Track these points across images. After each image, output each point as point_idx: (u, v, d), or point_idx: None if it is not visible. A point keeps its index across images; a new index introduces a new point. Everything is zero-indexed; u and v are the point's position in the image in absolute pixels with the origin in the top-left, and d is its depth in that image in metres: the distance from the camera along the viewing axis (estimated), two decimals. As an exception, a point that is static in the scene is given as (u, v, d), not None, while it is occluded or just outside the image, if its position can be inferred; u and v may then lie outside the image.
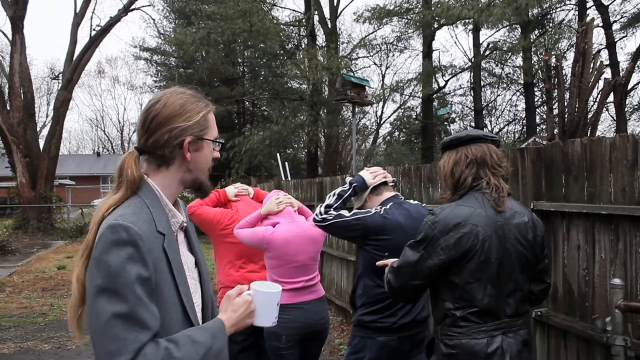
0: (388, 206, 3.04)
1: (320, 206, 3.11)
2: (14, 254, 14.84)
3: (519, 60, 23.49)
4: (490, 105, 29.04)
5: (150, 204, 1.58)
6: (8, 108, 19.93)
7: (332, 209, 3.06)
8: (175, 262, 1.57)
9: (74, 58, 20.88)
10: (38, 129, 26.92)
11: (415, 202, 3.25)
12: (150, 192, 1.61)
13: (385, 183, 3.19)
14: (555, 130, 11.21)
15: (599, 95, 11.60)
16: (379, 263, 2.63)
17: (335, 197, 3.13)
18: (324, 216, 3.04)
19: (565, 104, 10.50)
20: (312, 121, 19.85)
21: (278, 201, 3.64)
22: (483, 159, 2.26)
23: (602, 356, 2.80)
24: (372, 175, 3.19)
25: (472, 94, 26.75)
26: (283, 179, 10.35)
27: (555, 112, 11.34)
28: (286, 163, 11.11)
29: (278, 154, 11.54)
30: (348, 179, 3.27)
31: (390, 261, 2.47)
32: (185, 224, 1.72)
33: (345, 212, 3.04)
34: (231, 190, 4.16)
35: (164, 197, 1.63)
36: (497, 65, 25.33)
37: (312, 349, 3.61)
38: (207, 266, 1.86)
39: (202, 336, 1.55)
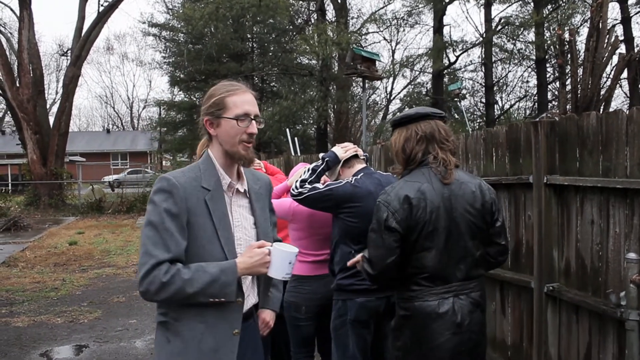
0: (359, 176, 3.24)
1: (297, 181, 3.29)
2: (26, 229, 14.99)
3: (531, 36, 23.10)
4: (501, 81, 28.72)
5: (202, 168, 2.08)
6: (17, 85, 19.96)
7: (307, 183, 3.24)
8: (217, 211, 2.03)
9: (82, 34, 20.80)
10: (48, 106, 27.00)
11: (387, 173, 3.44)
12: (206, 159, 2.11)
13: (356, 156, 3.40)
14: (568, 107, 11.07)
15: (613, 71, 11.43)
16: (349, 263, 2.77)
17: (310, 172, 3.32)
18: (300, 190, 3.22)
19: (579, 79, 10.35)
20: (322, 97, 19.75)
21: None
22: (432, 135, 2.42)
23: (615, 331, 2.78)
24: (343, 150, 3.40)
25: (483, 70, 26.40)
26: (293, 154, 10.31)
27: (568, 88, 11.19)
28: (296, 138, 11.07)
29: (287, 130, 11.49)
30: (321, 155, 3.45)
31: (359, 257, 2.61)
32: (239, 189, 2.15)
33: (319, 185, 3.23)
34: None
35: (216, 163, 2.10)
36: (508, 41, 24.94)
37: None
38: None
39: (213, 268, 1.95)
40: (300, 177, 3.31)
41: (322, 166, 3.34)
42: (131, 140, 47.50)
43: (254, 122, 2.08)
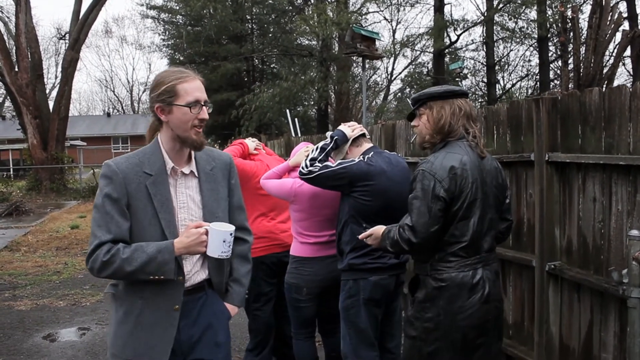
0: (370, 154, 3.22)
1: (305, 160, 3.23)
2: (28, 214, 15.01)
3: (533, 14, 22.85)
4: (502, 60, 28.47)
5: (149, 152, 2.20)
6: (16, 69, 19.83)
7: (317, 162, 3.19)
8: (158, 195, 2.15)
9: (80, 17, 20.61)
10: (48, 91, 26.91)
11: (393, 153, 3.44)
12: (153, 144, 2.22)
13: (363, 135, 3.39)
14: (570, 85, 10.97)
15: (616, 49, 11.31)
16: (361, 236, 2.76)
17: (319, 150, 3.26)
18: (310, 169, 3.16)
19: (581, 57, 10.25)
20: (322, 77, 19.62)
21: (307, 153, 3.64)
22: (470, 113, 2.56)
23: (617, 309, 2.76)
24: (351, 128, 3.37)
25: (485, 49, 26.17)
26: (293, 135, 10.27)
27: (571, 66, 11.08)
28: (296, 120, 11.01)
29: (288, 111, 11.43)
30: (328, 134, 3.40)
31: (371, 231, 2.67)
32: (185, 171, 2.25)
33: (330, 163, 3.18)
34: (251, 143, 4.17)
35: (162, 147, 2.21)
36: (510, 19, 24.68)
37: (333, 304, 3.62)
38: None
39: (150, 248, 2.09)
40: (309, 156, 3.26)
41: (331, 144, 3.29)
42: (132, 124, 47.38)
43: (204, 107, 2.18)
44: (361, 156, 3.23)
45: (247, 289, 2.51)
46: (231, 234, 2.16)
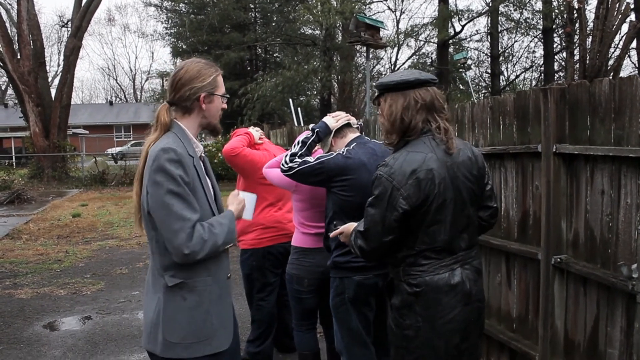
0: (351, 147, 3.09)
1: (286, 155, 3.12)
2: (30, 202, 15.01)
3: (538, 5, 22.70)
4: (507, 51, 28.30)
5: (181, 137, 2.27)
6: (18, 57, 19.76)
7: (297, 157, 3.08)
8: (203, 176, 2.30)
9: (82, 4, 20.52)
10: (50, 79, 26.84)
11: (380, 142, 3.21)
12: (180, 130, 2.30)
13: (348, 125, 3.24)
14: (576, 76, 10.87)
15: (623, 40, 11.19)
16: (332, 234, 2.71)
17: (300, 144, 3.15)
18: (290, 165, 3.06)
19: (587, 48, 10.14)
20: (325, 67, 19.50)
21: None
22: (432, 104, 2.27)
23: (624, 304, 2.71)
24: (334, 119, 3.23)
25: (489, 40, 26.03)
26: (296, 125, 10.21)
27: (577, 58, 10.97)
28: (299, 109, 10.94)
29: (291, 100, 11.34)
30: (311, 126, 3.30)
31: (342, 229, 2.59)
32: (203, 155, 2.42)
33: (309, 159, 3.06)
34: (255, 133, 4.13)
35: (189, 133, 2.32)
36: (515, 10, 24.51)
37: None
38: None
39: (224, 219, 2.29)
40: (289, 151, 3.16)
41: (312, 138, 3.17)
42: (134, 113, 47.38)
43: None
44: (343, 149, 3.11)
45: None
46: (255, 199, 2.52)
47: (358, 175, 2.95)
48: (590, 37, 10.12)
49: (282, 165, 3.11)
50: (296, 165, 3.03)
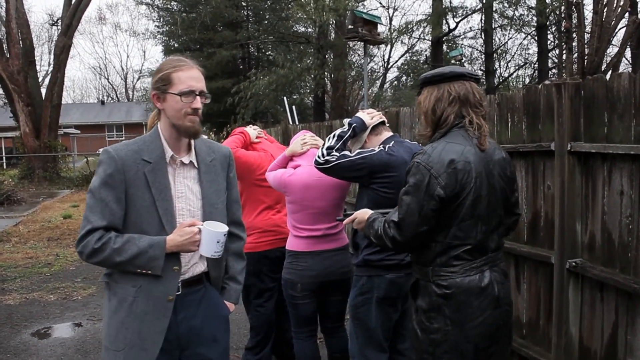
0: (391, 144, 3.01)
1: (322, 148, 3.00)
2: (20, 203, 14.75)
3: (532, 1, 22.57)
4: (500, 49, 28.18)
5: (148, 140, 2.17)
6: (7, 55, 19.45)
7: (334, 150, 2.97)
8: (157, 183, 2.11)
9: (72, 2, 20.22)
10: (41, 79, 26.51)
11: (414, 142, 3.19)
12: (153, 132, 2.20)
13: (383, 123, 3.15)
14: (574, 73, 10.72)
15: (623, 36, 11.07)
16: (345, 221, 2.59)
17: (336, 138, 3.04)
18: (327, 158, 2.95)
19: (585, 44, 10.01)
20: (319, 65, 19.29)
21: (303, 142, 3.46)
22: (466, 97, 2.21)
23: (646, 311, 2.56)
24: (369, 115, 3.13)
25: (483, 37, 25.89)
26: (291, 123, 10.02)
27: (575, 56, 10.84)
28: (293, 107, 10.76)
29: (285, 98, 11.17)
30: (346, 121, 3.16)
31: (356, 215, 2.47)
32: (184, 161, 2.22)
33: (348, 152, 2.96)
34: (252, 131, 3.94)
35: (161, 136, 2.18)
36: (509, 7, 24.40)
37: (334, 301, 3.44)
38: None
39: (142, 242, 2.08)
40: (324, 144, 3.03)
41: (349, 132, 3.06)
42: (126, 112, 46.90)
43: (198, 97, 2.15)
44: (381, 145, 3.01)
45: (242, 286, 2.53)
46: (225, 235, 2.15)
47: (400, 173, 2.80)
48: (589, 33, 9.98)
49: (318, 158, 2.99)
50: (334, 159, 2.92)
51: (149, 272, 2.11)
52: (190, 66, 2.17)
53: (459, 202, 2.12)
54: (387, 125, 3.20)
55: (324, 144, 3.05)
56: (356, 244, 3.06)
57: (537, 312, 3.34)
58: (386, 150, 2.95)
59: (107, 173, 2.08)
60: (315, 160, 3.00)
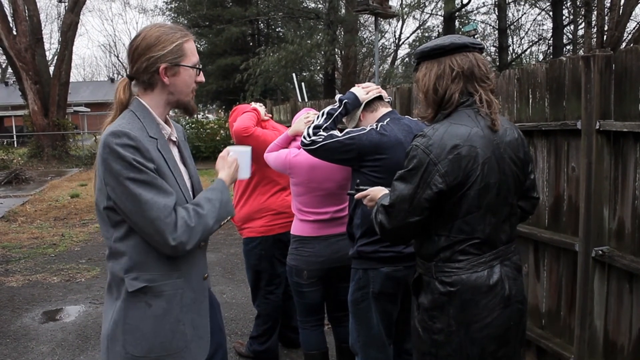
0: (385, 122, 2.71)
1: (308, 128, 2.72)
2: (28, 182, 14.70)
3: (548, -26, 21.96)
4: (514, 24, 27.57)
5: (140, 116, 1.89)
6: (15, 33, 19.28)
7: (321, 130, 2.69)
8: (170, 159, 1.91)
9: (79, -22, 19.96)
10: (50, 57, 26.32)
11: (416, 118, 2.80)
12: (140, 107, 1.91)
13: (380, 98, 2.84)
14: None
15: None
16: (357, 196, 2.31)
17: (325, 116, 2.75)
18: (313, 138, 2.67)
19: (605, 17, 9.65)
20: (329, 41, 18.95)
21: (307, 120, 3.24)
22: (471, 71, 1.95)
23: (681, 305, 2.35)
24: (364, 90, 2.83)
25: (497, 12, 25.32)
26: (300, 100, 9.78)
27: (594, 30, 10.45)
28: (302, 84, 10.50)
29: (294, 75, 10.90)
30: (338, 96, 2.86)
31: (369, 191, 2.25)
32: (175, 139, 2.03)
33: (336, 132, 2.67)
34: (260, 109, 3.75)
35: (152, 112, 1.93)
36: (525, -20, 23.79)
37: (342, 288, 3.22)
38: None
39: (213, 194, 1.96)
40: (313, 122, 2.76)
41: (339, 109, 2.77)
42: (136, 90, 46.74)
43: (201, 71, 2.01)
44: (374, 124, 2.72)
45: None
46: (250, 153, 2.19)
47: (393, 155, 2.58)
48: (609, 6, 9.64)
49: (304, 138, 2.71)
50: (320, 140, 2.64)
51: (229, 217, 2.02)
52: (191, 36, 1.98)
53: (463, 193, 1.89)
54: (388, 100, 2.91)
55: (311, 123, 2.78)
56: (351, 234, 2.81)
57: (558, 301, 3.14)
58: (377, 129, 2.65)
59: (139, 156, 1.80)
60: (301, 141, 2.73)
